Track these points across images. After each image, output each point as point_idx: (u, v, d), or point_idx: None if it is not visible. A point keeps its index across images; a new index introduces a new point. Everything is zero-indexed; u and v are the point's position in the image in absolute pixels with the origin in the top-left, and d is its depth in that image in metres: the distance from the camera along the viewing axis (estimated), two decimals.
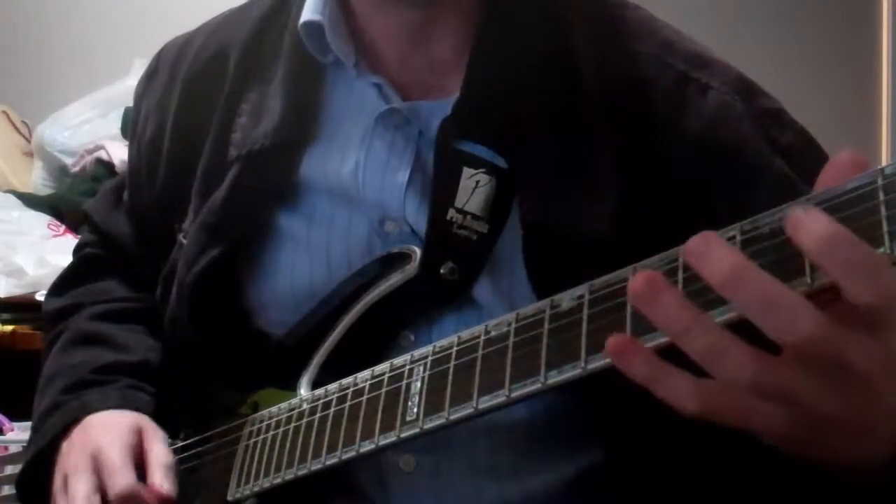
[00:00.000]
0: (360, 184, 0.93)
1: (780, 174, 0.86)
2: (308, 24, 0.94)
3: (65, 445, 0.97)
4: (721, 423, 0.60)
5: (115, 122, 2.24)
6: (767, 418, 0.60)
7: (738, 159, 0.87)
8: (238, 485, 0.92)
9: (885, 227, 0.54)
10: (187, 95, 1.03)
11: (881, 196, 0.54)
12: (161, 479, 0.92)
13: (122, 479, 0.91)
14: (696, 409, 0.60)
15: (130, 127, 1.13)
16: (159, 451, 0.94)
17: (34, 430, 1.04)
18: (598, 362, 0.67)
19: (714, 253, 0.57)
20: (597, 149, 0.88)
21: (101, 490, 0.92)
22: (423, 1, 0.91)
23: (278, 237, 0.96)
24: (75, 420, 0.98)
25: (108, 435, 0.95)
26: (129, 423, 0.96)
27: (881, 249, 0.54)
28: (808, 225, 0.55)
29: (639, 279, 0.59)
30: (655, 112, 0.88)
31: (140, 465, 0.93)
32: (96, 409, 0.98)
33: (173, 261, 1.01)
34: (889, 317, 0.56)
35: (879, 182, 0.55)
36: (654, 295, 0.59)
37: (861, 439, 0.62)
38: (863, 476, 0.64)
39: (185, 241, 0.99)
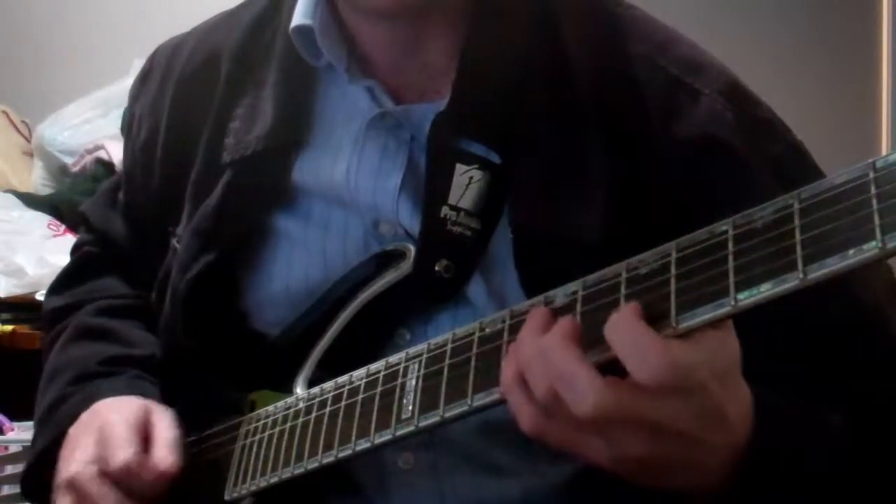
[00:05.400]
0: (352, 187, 0.93)
1: (767, 187, 0.85)
2: (299, 28, 0.94)
3: (72, 429, 0.97)
4: (552, 446, 0.69)
5: (115, 122, 2.24)
6: (591, 450, 0.68)
7: (725, 168, 0.87)
8: (235, 484, 0.92)
9: (876, 221, 0.54)
10: (180, 98, 1.03)
11: (872, 189, 0.54)
12: (164, 453, 0.92)
13: (122, 452, 0.91)
14: (528, 428, 0.69)
15: (125, 129, 1.13)
16: (165, 426, 0.95)
17: (40, 423, 1.04)
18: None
19: (524, 337, 0.69)
20: (588, 150, 0.87)
21: (104, 462, 0.92)
22: (411, 15, 0.90)
23: (274, 238, 0.96)
24: (85, 408, 0.98)
25: (114, 412, 0.95)
26: (136, 403, 0.97)
27: (873, 243, 0.54)
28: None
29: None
30: (647, 115, 0.88)
31: (147, 441, 0.93)
32: (104, 397, 0.99)
33: (167, 266, 1.01)
34: (686, 385, 0.63)
35: (871, 175, 0.55)
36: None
37: (688, 473, 0.69)
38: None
39: (178, 247, 0.99)
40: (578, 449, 0.69)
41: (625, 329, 0.63)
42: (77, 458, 0.93)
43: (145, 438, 0.94)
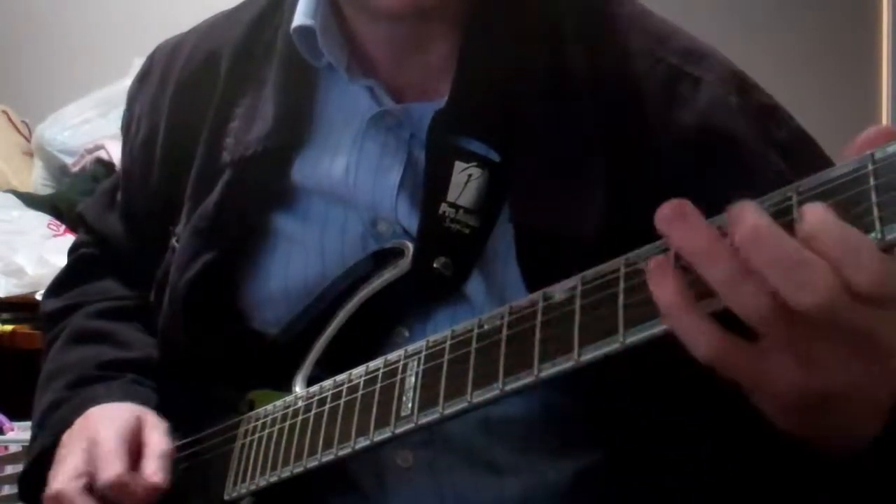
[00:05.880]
0: (351, 185, 0.93)
1: (777, 171, 0.86)
2: (300, 29, 0.94)
3: (65, 436, 0.97)
4: (729, 376, 0.60)
5: (115, 122, 2.23)
6: (779, 377, 0.60)
7: (732, 156, 0.86)
8: (235, 483, 0.92)
9: (875, 213, 0.54)
10: (179, 98, 1.03)
11: (871, 181, 0.54)
12: (154, 468, 0.91)
13: (111, 467, 0.90)
14: (708, 354, 0.59)
15: (123, 129, 1.13)
16: (156, 441, 0.94)
17: (37, 427, 1.04)
18: (591, 354, 0.66)
19: (740, 215, 0.57)
20: (588, 147, 0.87)
21: (91, 477, 0.91)
22: (413, 16, 0.90)
23: (272, 237, 0.96)
24: (79, 414, 0.98)
25: (105, 423, 0.95)
26: (129, 413, 0.96)
27: (872, 234, 0.54)
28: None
29: (666, 205, 0.60)
30: (647, 108, 0.88)
31: (137, 454, 0.93)
32: (100, 403, 0.99)
33: (166, 265, 1.01)
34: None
35: (869, 167, 0.54)
36: (681, 214, 0.59)
37: (863, 408, 0.63)
38: (845, 457, 0.66)
39: (177, 246, 0.99)
40: (761, 376, 0.60)
41: (771, 238, 0.56)
42: (64, 471, 0.92)
43: (137, 448, 0.93)
